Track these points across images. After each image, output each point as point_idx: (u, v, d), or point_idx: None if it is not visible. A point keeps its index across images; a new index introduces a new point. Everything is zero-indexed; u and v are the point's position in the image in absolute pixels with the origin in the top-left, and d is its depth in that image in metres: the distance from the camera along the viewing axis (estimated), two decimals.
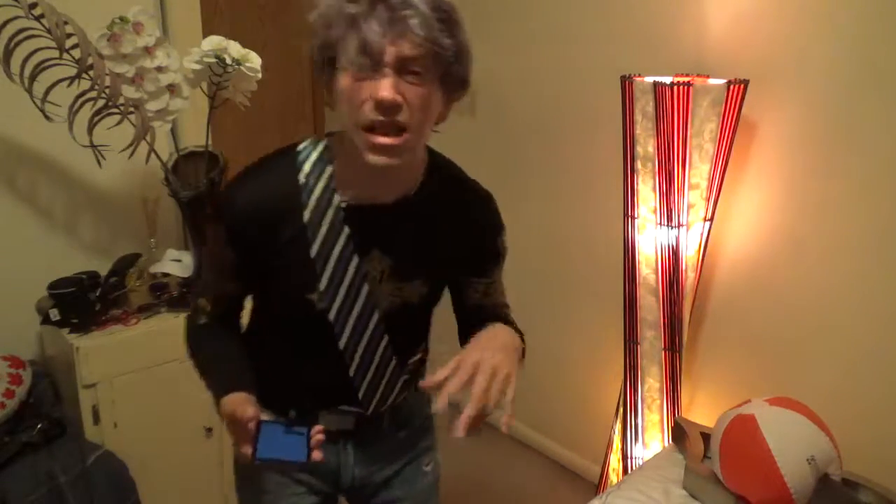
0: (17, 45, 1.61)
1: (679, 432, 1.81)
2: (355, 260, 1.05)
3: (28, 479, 1.61)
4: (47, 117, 1.66)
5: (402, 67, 0.91)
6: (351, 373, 1.13)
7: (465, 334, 1.15)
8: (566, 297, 2.45)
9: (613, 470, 2.13)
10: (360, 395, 1.15)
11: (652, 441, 2.00)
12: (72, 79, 1.64)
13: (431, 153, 1.12)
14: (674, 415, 1.94)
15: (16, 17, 1.57)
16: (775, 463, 1.45)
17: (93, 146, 1.73)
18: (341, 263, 1.05)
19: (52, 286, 1.82)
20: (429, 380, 0.92)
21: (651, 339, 1.93)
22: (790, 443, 1.47)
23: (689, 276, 1.86)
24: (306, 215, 1.03)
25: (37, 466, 1.63)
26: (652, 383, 1.97)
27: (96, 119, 1.72)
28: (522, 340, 1.13)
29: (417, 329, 1.21)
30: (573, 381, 2.49)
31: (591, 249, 2.30)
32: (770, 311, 1.90)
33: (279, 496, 1.21)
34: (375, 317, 1.10)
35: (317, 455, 0.96)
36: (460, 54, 0.96)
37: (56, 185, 2.05)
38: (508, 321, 1.20)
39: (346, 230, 1.04)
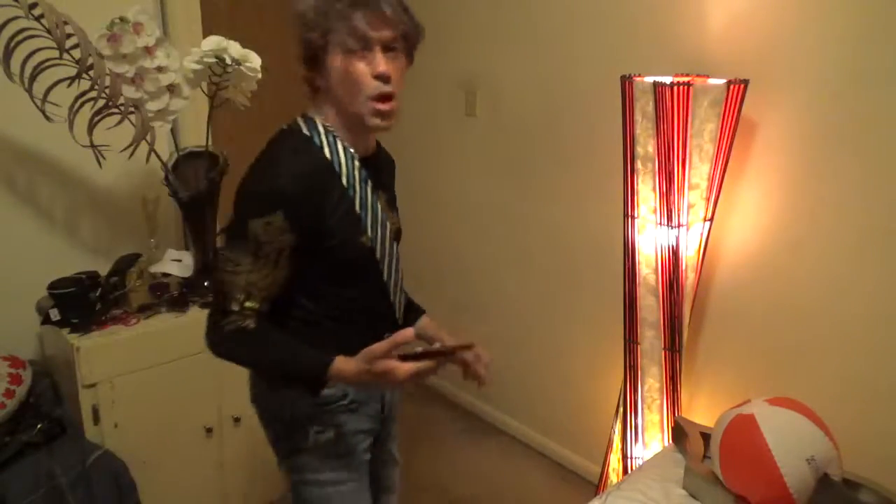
0: (17, 45, 1.61)
1: (679, 432, 1.81)
2: (376, 200, 1.26)
3: (28, 479, 1.61)
4: (47, 117, 1.66)
5: (385, 47, 1.13)
6: (391, 298, 1.32)
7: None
8: (566, 297, 2.45)
9: (613, 470, 2.13)
10: (397, 316, 1.36)
11: (652, 441, 2.00)
12: (72, 79, 1.64)
13: None
14: (674, 415, 1.94)
15: (16, 17, 1.57)
16: (775, 463, 1.45)
17: (93, 146, 1.73)
18: (373, 206, 1.24)
19: (52, 286, 1.82)
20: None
21: (651, 339, 1.93)
22: (790, 443, 1.47)
23: (689, 276, 1.86)
24: (344, 179, 1.20)
25: (37, 466, 1.64)
26: (652, 383, 1.97)
27: (96, 119, 1.72)
28: None
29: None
30: (573, 381, 2.49)
31: (591, 249, 2.30)
32: (770, 310, 1.90)
33: (358, 452, 1.33)
34: (395, 244, 1.31)
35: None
36: (418, 32, 1.18)
37: (56, 185, 2.05)
38: None
39: (368, 179, 1.24)
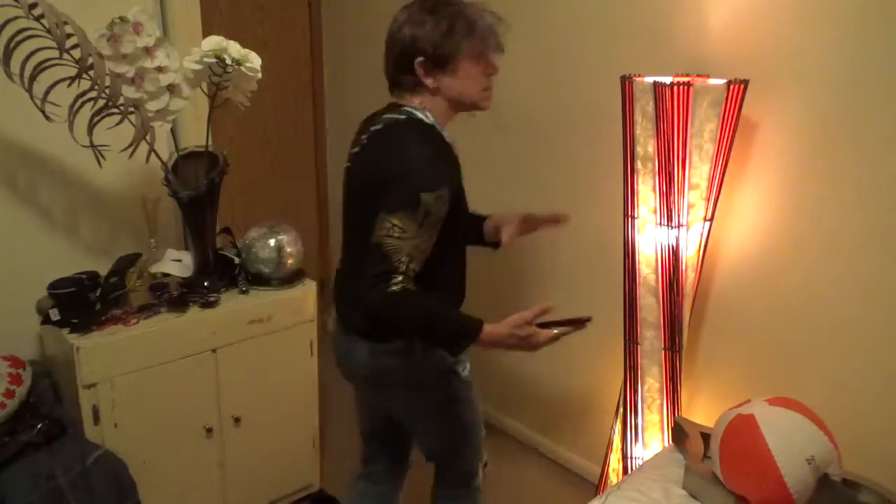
0: (17, 45, 1.61)
1: (679, 432, 1.81)
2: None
3: (28, 479, 1.61)
4: (47, 117, 1.66)
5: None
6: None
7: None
8: (566, 297, 2.45)
9: (613, 470, 2.13)
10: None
11: (652, 441, 2.00)
12: (72, 79, 1.64)
13: None
14: (674, 415, 1.94)
15: (16, 17, 1.57)
16: (775, 463, 1.45)
17: (93, 146, 1.73)
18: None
19: (52, 286, 1.82)
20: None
21: (651, 339, 1.93)
22: (790, 443, 1.47)
23: (689, 276, 1.86)
24: (457, 154, 1.49)
25: (37, 466, 1.64)
26: (652, 383, 1.97)
27: (96, 119, 1.72)
28: None
29: None
30: (573, 381, 2.49)
31: (591, 249, 2.30)
32: (770, 310, 1.90)
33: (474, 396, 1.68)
34: None
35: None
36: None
37: (56, 185, 2.05)
38: None
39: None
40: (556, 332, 1.36)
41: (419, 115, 1.47)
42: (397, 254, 1.31)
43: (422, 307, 1.37)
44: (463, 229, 1.55)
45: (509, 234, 1.67)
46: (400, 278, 1.31)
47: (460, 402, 1.66)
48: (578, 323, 1.42)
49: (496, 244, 1.73)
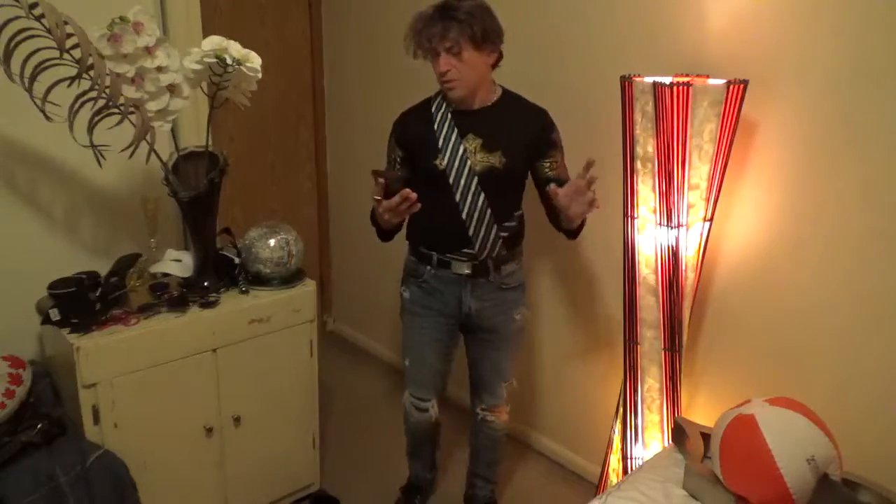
0: (17, 45, 1.61)
1: (679, 432, 1.81)
2: (459, 139, 1.83)
3: (28, 479, 1.61)
4: (47, 117, 1.66)
5: (448, 50, 1.73)
6: (463, 216, 1.83)
7: (549, 209, 1.87)
8: (566, 297, 2.45)
9: (613, 470, 2.13)
10: (471, 232, 1.84)
11: (652, 441, 2.00)
12: (72, 79, 1.64)
13: (509, 91, 1.90)
14: (674, 415, 1.94)
15: (16, 17, 1.57)
16: (775, 463, 1.45)
17: (93, 146, 1.73)
18: (452, 142, 1.83)
19: (52, 286, 1.82)
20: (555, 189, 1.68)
21: (651, 339, 1.93)
22: (790, 443, 1.47)
23: (688, 277, 1.86)
24: (435, 123, 1.86)
25: (37, 466, 1.64)
26: (652, 383, 1.97)
27: (96, 119, 1.72)
28: None
29: (504, 193, 1.87)
30: (573, 381, 2.49)
31: (590, 249, 2.30)
32: (770, 310, 1.90)
33: (425, 316, 1.98)
34: (475, 178, 1.82)
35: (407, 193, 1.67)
36: (482, 31, 1.72)
37: (56, 185, 2.05)
38: None
39: (453, 123, 1.83)
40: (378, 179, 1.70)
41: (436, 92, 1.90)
42: (382, 173, 1.80)
43: (373, 216, 1.86)
44: (437, 185, 1.84)
45: (561, 195, 1.70)
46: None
47: (403, 314, 2.05)
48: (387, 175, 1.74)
49: (570, 232, 1.88)
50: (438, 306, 1.96)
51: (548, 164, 1.86)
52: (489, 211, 1.83)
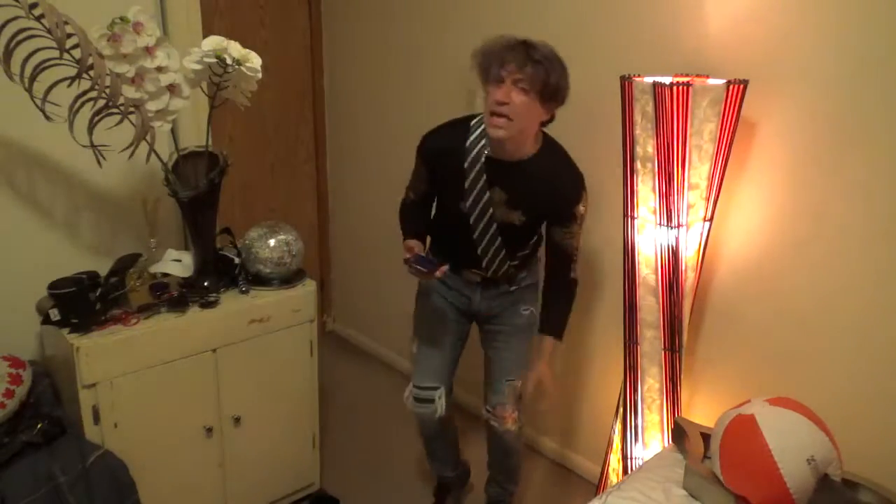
0: (17, 45, 1.61)
1: (679, 432, 1.81)
2: (486, 189, 1.79)
3: (28, 479, 1.61)
4: (47, 117, 1.66)
5: (515, 83, 1.64)
6: (479, 252, 1.88)
7: (549, 266, 1.92)
8: None
9: (613, 470, 2.13)
10: (483, 265, 1.91)
11: (652, 441, 2.00)
12: (72, 79, 1.64)
13: (550, 142, 1.82)
14: (674, 415, 1.94)
15: (16, 17, 1.57)
16: (775, 463, 1.45)
17: (93, 146, 1.73)
18: (478, 190, 1.80)
19: (52, 286, 1.82)
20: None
21: (651, 339, 1.93)
22: (790, 443, 1.47)
23: (688, 277, 1.86)
24: (466, 162, 1.80)
25: (37, 466, 1.64)
26: (652, 383, 1.97)
27: (96, 119, 1.72)
28: (570, 303, 1.94)
29: (520, 240, 1.90)
30: (573, 381, 2.49)
31: (590, 250, 2.30)
32: (770, 310, 1.90)
33: (437, 297, 2.03)
34: (494, 225, 1.83)
35: (439, 273, 1.75)
36: (556, 83, 1.65)
37: (56, 185, 2.05)
38: (563, 290, 1.93)
39: (484, 171, 1.78)
40: (411, 263, 1.77)
41: (475, 120, 1.82)
42: (409, 185, 1.98)
43: (400, 213, 1.99)
44: (458, 223, 1.87)
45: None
46: (405, 195, 1.99)
47: (417, 297, 2.10)
48: (423, 270, 1.77)
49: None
50: (451, 297, 2.02)
51: (560, 233, 1.84)
52: (504, 251, 1.87)
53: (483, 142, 1.77)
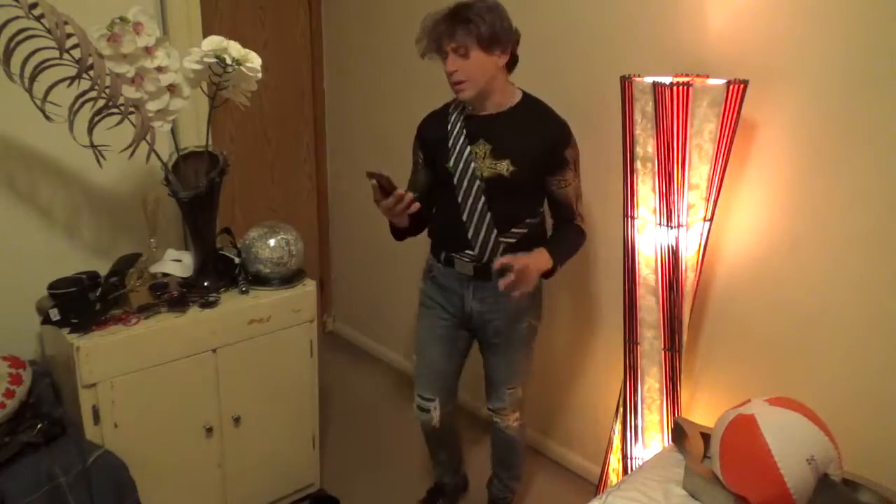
0: (17, 45, 1.61)
1: (679, 432, 1.81)
2: (467, 143, 1.84)
3: (28, 479, 1.61)
4: (47, 117, 1.66)
5: (454, 51, 1.72)
6: (464, 218, 1.85)
7: (554, 224, 1.94)
8: (565, 298, 2.45)
9: (613, 470, 2.13)
10: (470, 235, 1.86)
11: (652, 441, 2.00)
12: (72, 79, 1.64)
13: (531, 97, 1.87)
14: (674, 415, 1.94)
15: (16, 18, 1.57)
16: (775, 463, 1.45)
17: (93, 146, 1.73)
18: (459, 145, 1.84)
19: (52, 286, 1.82)
20: (497, 261, 1.72)
21: (651, 339, 1.93)
22: (790, 443, 1.47)
23: (688, 277, 1.86)
24: (449, 124, 1.89)
25: (37, 466, 1.64)
26: (652, 383, 1.97)
27: (96, 119, 1.72)
28: (579, 241, 1.91)
29: (512, 201, 1.84)
30: (573, 381, 2.49)
31: (590, 249, 2.30)
32: (770, 310, 1.90)
33: (433, 309, 2.01)
34: (478, 182, 1.82)
35: (403, 201, 1.72)
36: (489, 32, 1.70)
37: (56, 185, 2.05)
38: (570, 229, 1.90)
39: (463, 127, 1.85)
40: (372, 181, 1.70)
41: None
42: (409, 183, 2.01)
43: None
44: (445, 186, 1.89)
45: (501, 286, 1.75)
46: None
47: (419, 307, 2.08)
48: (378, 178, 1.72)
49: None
50: (444, 302, 1.98)
51: (556, 182, 1.83)
52: (489, 215, 1.82)
53: (462, 105, 1.87)
